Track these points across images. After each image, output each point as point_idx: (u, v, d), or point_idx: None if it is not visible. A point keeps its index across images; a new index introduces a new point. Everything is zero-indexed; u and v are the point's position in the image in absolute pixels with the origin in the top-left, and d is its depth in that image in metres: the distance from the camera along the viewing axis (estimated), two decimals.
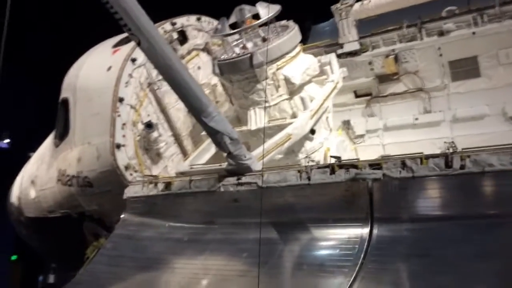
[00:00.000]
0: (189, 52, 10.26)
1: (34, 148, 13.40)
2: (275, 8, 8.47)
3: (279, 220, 6.68)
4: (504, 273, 4.96)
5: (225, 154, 7.53)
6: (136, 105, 9.13)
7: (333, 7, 10.51)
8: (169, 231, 7.78)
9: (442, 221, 5.69)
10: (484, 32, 9.32)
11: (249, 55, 8.34)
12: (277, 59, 8.49)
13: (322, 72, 9.55)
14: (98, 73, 9.45)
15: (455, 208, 5.65)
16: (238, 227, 7.10)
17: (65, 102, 10.02)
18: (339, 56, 10.41)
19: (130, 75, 9.07)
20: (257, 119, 8.84)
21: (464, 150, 5.68)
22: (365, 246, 5.86)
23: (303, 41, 9.35)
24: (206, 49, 10.69)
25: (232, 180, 7.27)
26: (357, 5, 10.37)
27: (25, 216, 12.14)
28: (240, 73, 8.58)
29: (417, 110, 10.51)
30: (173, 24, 10.03)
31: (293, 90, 8.79)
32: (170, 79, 6.45)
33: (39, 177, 11.14)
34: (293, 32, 8.78)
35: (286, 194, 6.72)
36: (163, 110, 9.59)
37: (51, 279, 19.64)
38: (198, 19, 10.68)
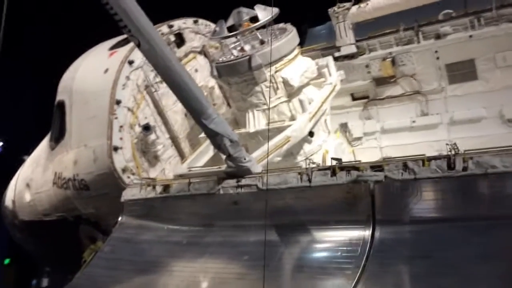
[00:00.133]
0: (186, 55, 10.21)
1: (28, 151, 13.32)
2: (274, 11, 8.46)
3: (279, 222, 6.63)
4: (507, 275, 4.94)
5: (224, 157, 7.51)
6: (133, 107, 9.06)
7: (330, 10, 10.51)
8: (167, 234, 7.71)
9: (444, 223, 5.67)
10: (481, 35, 9.35)
11: (247, 57, 8.31)
12: (276, 61, 8.46)
13: (320, 75, 9.55)
14: (95, 75, 9.37)
15: (457, 210, 5.63)
16: (238, 230, 7.05)
17: (61, 104, 9.94)
18: (336, 59, 10.40)
19: (128, 78, 9.01)
20: (255, 121, 8.81)
21: (466, 152, 5.68)
22: (367, 249, 5.83)
23: (300, 44, 9.34)
24: (203, 52, 10.64)
25: (231, 182, 7.22)
26: (354, 8, 10.36)
27: (20, 220, 12.02)
28: (239, 76, 8.55)
29: (414, 113, 10.54)
30: (170, 26, 9.98)
31: (292, 92, 8.78)
32: (170, 81, 6.40)
33: (34, 180, 11.04)
34: (292, 34, 8.77)
35: (286, 196, 6.68)
36: (161, 113, 9.53)
37: (45, 282, 19.52)
38: (195, 21, 10.63)
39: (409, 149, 10.06)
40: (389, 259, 5.70)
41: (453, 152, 5.74)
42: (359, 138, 11.04)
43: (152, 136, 9.10)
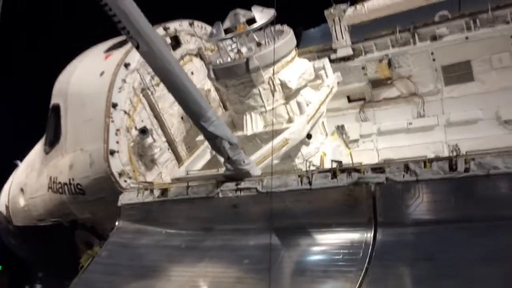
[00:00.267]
0: (182, 58, 10.14)
1: (20, 156, 13.19)
2: (270, 13, 8.41)
3: (280, 225, 6.58)
4: (510, 277, 4.93)
5: (222, 160, 7.45)
6: (130, 110, 8.98)
7: (326, 12, 10.49)
8: (166, 238, 7.64)
9: (447, 225, 5.64)
10: (477, 37, 9.37)
11: (245, 59, 8.26)
12: (275, 62, 8.40)
13: (317, 77, 9.52)
14: (91, 78, 9.28)
15: (460, 211, 5.61)
16: (237, 234, 7.00)
17: (56, 108, 9.83)
18: (332, 61, 10.40)
19: (124, 80, 8.93)
20: (253, 124, 8.76)
21: (468, 153, 5.67)
22: (369, 251, 5.80)
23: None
24: (199, 54, 10.59)
25: (231, 185, 7.16)
26: (350, 10, 10.36)
27: (14, 225, 11.88)
28: (236, 78, 8.48)
29: (410, 115, 10.56)
30: (166, 29, 9.92)
31: (289, 94, 8.73)
32: (169, 83, 6.33)
33: (29, 185, 10.91)
34: (289, 36, 8.73)
35: (287, 199, 6.62)
36: (157, 116, 9.45)
37: None
38: (191, 24, 10.58)
39: (405, 151, 10.10)
40: (391, 262, 5.67)
41: (454, 154, 5.74)
42: (355, 140, 11.02)
43: (149, 140, 9.02)
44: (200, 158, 9.00)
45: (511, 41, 9.20)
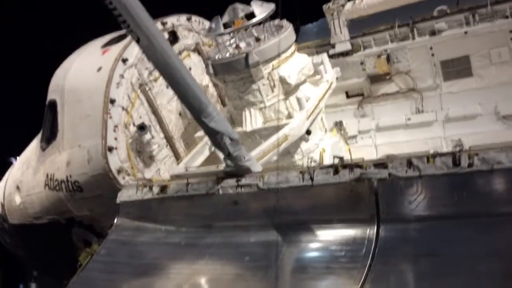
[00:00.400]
0: (180, 53, 10.03)
1: (15, 154, 13.07)
2: (269, 7, 8.34)
3: (282, 222, 6.53)
4: None
5: (222, 156, 7.38)
6: (128, 106, 8.88)
7: (324, 7, 10.43)
8: (165, 235, 7.55)
9: (450, 220, 5.60)
10: (476, 32, 9.32)
11: (244, 54, 8.18)
12: (273, 58, 8.34)
13: (315, 72, 9.46)
14: (88, 73, 9.15)
15: (463, 207, 5.57)
16: (238, 230, 6.94)
17: (52, 104, 9.70)
18: (330, 56, 10.33)
19: (122, 76, 8.82)
20: (252, 120, 8.69)
21: (472, 148, 5.64)
22: (372, 248, 5.75)
23: None
24: (196, 50, 10.49)
25: (231, 182, 7.08)
26: (348, 5, 10.30)
27: (9, 223, 11.75)
28: (235, 73, 8.40)
29: (409, 110, 10.51)
30: (164, 23, 9.81)
31: (289, 90, 8.67)
32: (169, 77, 6.24)
33: (25, 182, 10.78)
34: (288, 31, 8.66)
35: (288, 196, 6.57)
36: (155, 112, 9.36)
37: (33, 287, 19.14)
38: (188, 18, 10.48)
39: (404, 147, 10.07)
40: (395, 258, 5.63)
41: (458, 149, 5.70)
42: (354, 136, 10.98)
43: (147, 136, 8.94)
44: (199, 155, 8.92)
45: (510, 36, 9.16)
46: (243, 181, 6.99)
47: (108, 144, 8.44)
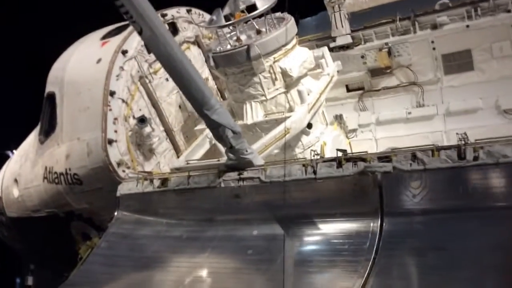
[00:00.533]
0: (180, 45, 9.94)
1: (13, 146, 12.98)
2: (271, 0, 8.26)
3: (284, 215, 6.49)
4: None
5: (223, 149, 7.32)
6: (128, 99, 8.79)
7: (325, 0, 10.35)
8: (166, 229, 7.52)
9: (454, 214, 5.59)
10: (477, 25, 9.29)
11: (245, 47, 8.10)
12: (275, 51, 8.28)
13: (316, 66, 9.40)
14: (87, 65, 9.05)
15: (468, 200, 5.55)
16: (240, 224, 6.90)
17: (51, 96, 9.61)
18: (331, 49, 10.27)
19: (121, 68, 8.73)
20: (253, 113, 8.62)
21: (477, 142, 5.61)
22: (376, 241, 5.73)
23: None
24: (196, 42, 10.41)
25: (233, 175, 7.05)
26: None
27: (7, 216, 11.67)
28: (237, 66, 8.32)
29: (410, 104, 10.49)
30: (164, 15, 9.70)
31: (290, 83, 8.61)
32: (172, 69, 6.17)
33: (23, 175, 10.69)
34: (290, 24, 8.57)
35: (291, 189, 6.52)
36: (155, 104, 9.27)
37: (29, 281, 19.06)
38: (188, 11, 10.38)
39: (404, 141, 10.02)
40: (399, 252, 5.62)
41: (463, 142, 5.67)
42: (354, 130, 10.94)
43: (148, 129, 8.85)
44: (199, 148, 8.87)
45: None
46: (245, 174, 6.96)
47: (108, 136, 8.37)
